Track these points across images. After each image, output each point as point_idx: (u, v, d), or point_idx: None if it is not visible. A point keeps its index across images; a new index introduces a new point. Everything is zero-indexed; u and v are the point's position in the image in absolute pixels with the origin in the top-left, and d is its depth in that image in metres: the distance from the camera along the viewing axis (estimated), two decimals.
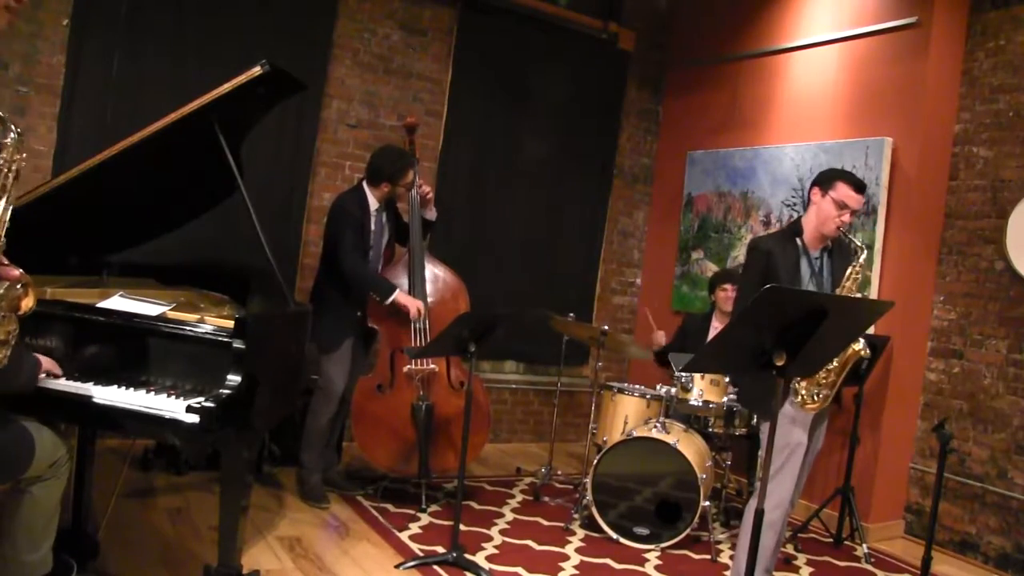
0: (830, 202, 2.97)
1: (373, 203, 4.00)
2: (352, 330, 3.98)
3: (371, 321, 3.97)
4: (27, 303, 2.01)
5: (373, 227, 4.00)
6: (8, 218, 1.94)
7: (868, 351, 2.87)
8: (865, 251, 2.96)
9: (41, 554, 2.27)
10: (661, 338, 4.70)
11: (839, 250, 3.13)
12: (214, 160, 2.85)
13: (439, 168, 5.30)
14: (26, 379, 2.17)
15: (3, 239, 1.95)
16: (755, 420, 4.06)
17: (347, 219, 3.90)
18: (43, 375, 2.26)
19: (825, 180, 3.03)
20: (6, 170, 1.93)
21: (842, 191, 2.96)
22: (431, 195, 4.12)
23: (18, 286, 1.97)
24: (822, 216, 3.00)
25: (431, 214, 4.15)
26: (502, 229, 5.56)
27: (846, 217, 2.97)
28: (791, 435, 2.91)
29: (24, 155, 1.98)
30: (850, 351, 2.83)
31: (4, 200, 1.93)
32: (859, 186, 2.99)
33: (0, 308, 1.92)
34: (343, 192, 4.17)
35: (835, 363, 2.87)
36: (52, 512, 2.27)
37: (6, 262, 1.98)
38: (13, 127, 1.94)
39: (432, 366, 3.99)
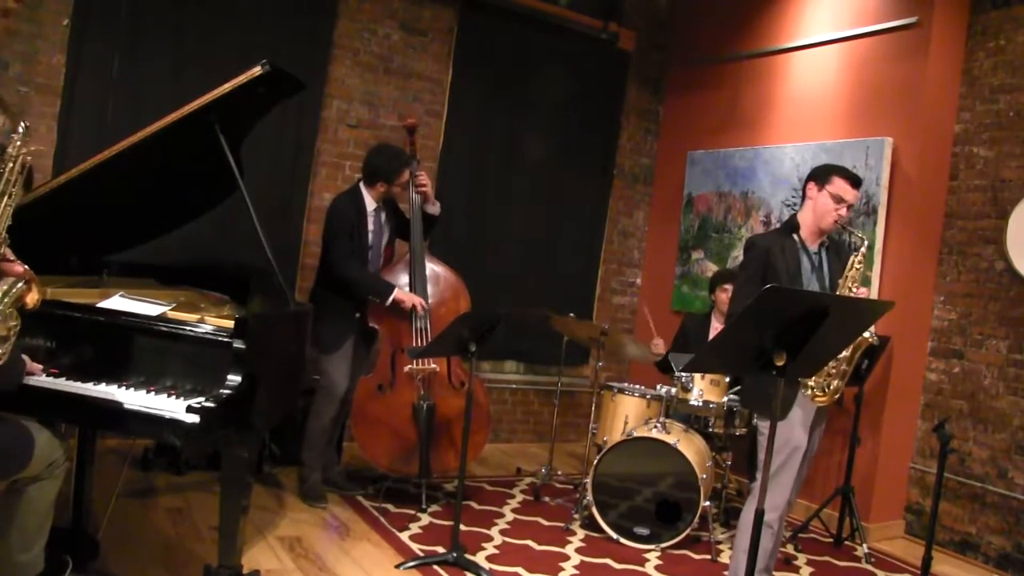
0: (827, 196, 2.97)
1: (370, 204, 3.98)
2: (353, 330, 3.97)
3: (371, 321, 3.96)
4: (32, 298, 2.02)
5: (371, 227, 3.98)
6: (11, 215, 1.96)
7: (876, 338, 2.87)
8: (866, 242, 2.95)
9: (33, 554, 2.26)
10: (660, 347, 4.64)
11: (835, 246, 3.14)
12: (214, 160, 2.85)
13: (439, 168, 5.30)
14: (16, 377, 2.17)
15: (6, 235, 1.96)
16: (755, 419, 4.05)
17: (341, 223, 3.89)
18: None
19: (820, 174, 3.02)
20: (12, 164, 1.97)
21: (838, 185, 2.96)
22: (428, 189, 4.08)
23: (21, 283, 1.98)
24: (819, 211, 2.99)
25: (434, 208, 4.12)
26: (502, 229, 5.55)
27: (843, 211, 2.97)
28: (792, 435, 2.90)
29: (32, 148, 2.02)
30: (859, 338, 2.81)
31: (8, 197, 1.95)
32: (855, 180, 2.99)
33: (4, 305, 1.93)
34: (340, 194, 4.15)
35: (845, 352, 2.83)
36: (46, 513, 2.26)
37: (11, 257, 1.99)
38: (22, 122, 1.99)
39: (433, 366, 3.98)
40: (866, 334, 2.80)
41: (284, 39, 4.66)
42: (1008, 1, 4.32)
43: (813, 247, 3.05)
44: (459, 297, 4.12)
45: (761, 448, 3.04)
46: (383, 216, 4.06)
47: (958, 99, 4.50)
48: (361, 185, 4.01)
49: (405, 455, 3.96)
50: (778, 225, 4.98)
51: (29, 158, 2.03)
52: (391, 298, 3.84)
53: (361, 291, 3.89)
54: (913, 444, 4.56)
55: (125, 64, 4.30)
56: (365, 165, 4.02)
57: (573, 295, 5.74)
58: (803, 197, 3.09)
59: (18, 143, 2.00)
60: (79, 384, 2.34)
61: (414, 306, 3.89)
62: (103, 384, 2.36)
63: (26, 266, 2.01)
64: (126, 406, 2.31)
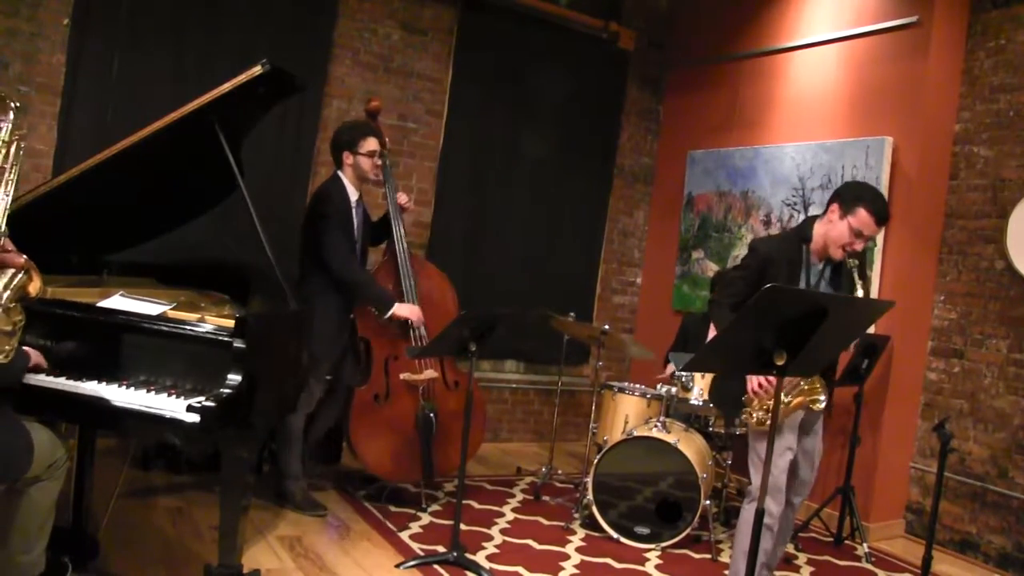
0: (847, 227, 2.81)
1: (352, 193, 3.75)
2: (344, 340, 3.78)
3: (360, 330, 3.79)
4: (35, 287, 2.02)
5: (355, 220, 3.77)
6: (9, 204, 1.96)
7: (823, 405, 2.83)
8: (867, 278, 2.90)
9: (34, 555, 2.25)
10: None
11: (839, 265, 3.01)
12: (214, 160, 2.85)
13: (439, 168, 5.31)
14: (19, 371, 2.16)
15: (5, 227, 1.95)
16: (737, 421, 3.99)
17: (333, 212, 3.63)
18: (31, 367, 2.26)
19: (848, 200, 2.83)
20: (4, 150, 1.95)
21: (862, 219, 2.79)
22: (410, 205, 4.01)
23: (22, 273, 1.98)
24: (833, 236, 2.86)
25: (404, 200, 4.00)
26: (502, 229, 5.55)
27: (858, 245, 2.83)
28: (781, 439, 2.89)
29: (25, 130, 2.01)
30: (804, 399, 2.82)
31: (3, 185, 1.95)
32: (881, 217, 2.81)
33: (6, 298, 1.92)
34: (324, 182, 3.87)
35: (788, 397, 2.82)
36: (47, 513, 2.25)
37: (11, 248, 1.98)
38: (13, 103, 1.97)
39: (432, 374, 3.87)
40: (820, 405, 2.81)
41: (284, 39, 4.66)
42: (1008, 1, 4.32)
43: (818, 264, 2.97)
44: (446, 295, 4.05)
45: (752, 450, 3.04)
46: (363, 212, 3.85)
47: (958, 99, 4.50)
48: (339, 172, 3.76)
49: (410, 462, 3.88)
50: (778, 225, 5.02)
51: (24, 143, 2.01)
52: (390, 313, 3.68)
53: (363, 297, 3.72)
54: (913, 443, 4.56)
55: (125, 64, 4.30)
56: (331, 146, 3.83)
57: (573, 295, 5.73)
58: (826, 210, 2.92)
59: (9, 127, 1.98)
60: (79, 383, 2.34)
61: (419, 318, 3.77)
62: (103, 383, 2.36)
63: (24, 256, 2.00)
64: (126, 405, 2.31)
